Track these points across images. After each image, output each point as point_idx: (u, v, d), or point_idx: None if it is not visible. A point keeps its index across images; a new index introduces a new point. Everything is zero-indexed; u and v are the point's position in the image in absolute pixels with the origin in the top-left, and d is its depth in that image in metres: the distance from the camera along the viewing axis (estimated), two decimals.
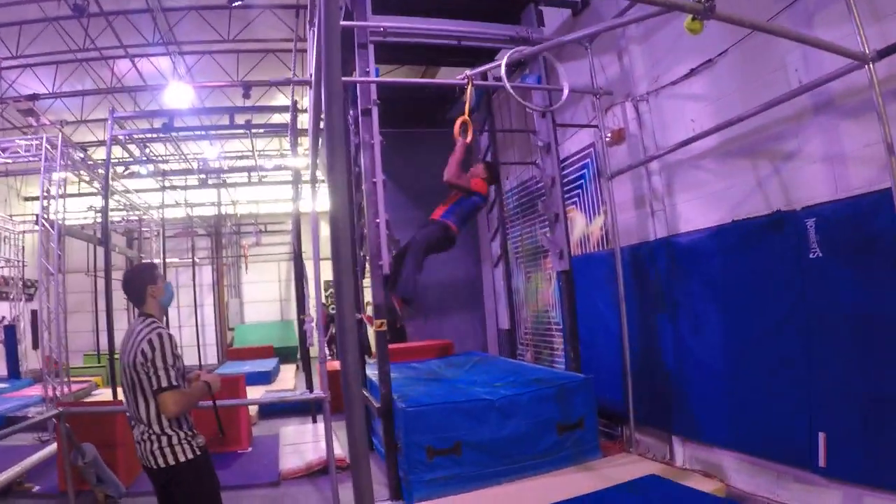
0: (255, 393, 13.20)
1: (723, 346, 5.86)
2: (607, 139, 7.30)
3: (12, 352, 18.93)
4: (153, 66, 16.33)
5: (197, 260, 24.19)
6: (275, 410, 11.90)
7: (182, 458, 3.73)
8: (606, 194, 7.39)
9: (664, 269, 6.65)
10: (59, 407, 8.26)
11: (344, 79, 8.23)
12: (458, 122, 6.66)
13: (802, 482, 5.11)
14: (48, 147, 12.33)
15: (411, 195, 11.39)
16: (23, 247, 19.84)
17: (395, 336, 12.39)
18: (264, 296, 25.72)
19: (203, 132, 18.43)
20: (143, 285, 3.96)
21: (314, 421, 10.49)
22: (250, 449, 9.18)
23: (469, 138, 6.86)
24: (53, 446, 8.61)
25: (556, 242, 7.20)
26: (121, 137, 15.04)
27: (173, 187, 21.34)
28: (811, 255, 4.87)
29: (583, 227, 8.24)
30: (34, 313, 21.57)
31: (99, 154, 20.36)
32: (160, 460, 3.71)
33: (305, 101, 18.72)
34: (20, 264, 19.77)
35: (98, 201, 21.47)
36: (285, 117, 19.83)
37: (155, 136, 16.66)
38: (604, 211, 7.73)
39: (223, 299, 25.20)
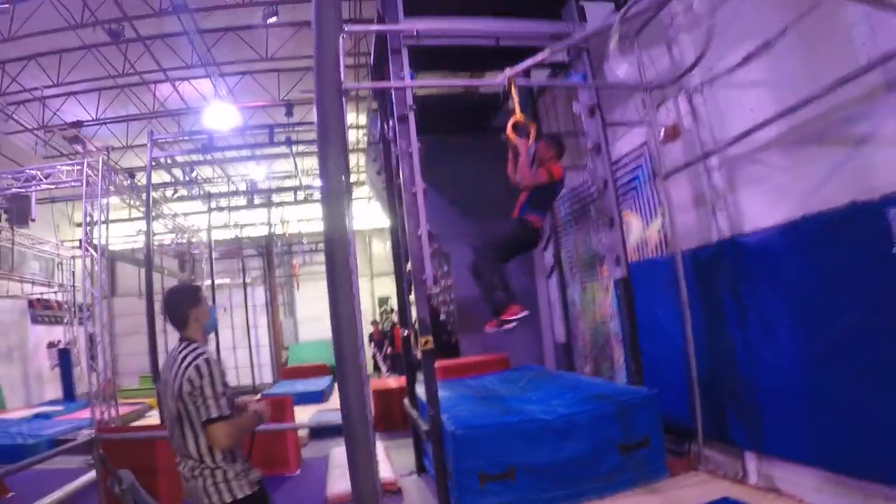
0: (306, 412, 13.01)
1: (798, 352, 5.33)
2: (660, 136, 6.87)
3: (67, 374, 19.34)
4: (194, 89, 16.42)
5: (249, 280, 24.27)
6: (327, 431, 11.61)
7: (239, 495, 3.48)
8: (663, 195, 6.95)
9: (729, 271, 6.16)
10: (101, 432, 8.12)
11: (374, 84, 8.13)
12: (511, 122, 6.28)
13: (893, 501, 4.57)
14: (90, 172, 12.33)
15: (458, 206, 11.14)
16: (73, 272, 20.19)
17: (447, 351, 12.13)
18: (318, 314, 25.42)
19: (243, 151, 18.50)
20: (185, 308, 3.71)
21: None
22: (298, 472, 8.95)
23: (531, 138, 6.48)
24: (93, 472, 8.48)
25: (612, 248, 6.77)
26: (162, 160, 15.05)
27: (220, 208, 21.39)
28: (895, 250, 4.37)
29: (639, 231, 7.78)
30: (91, 336, 22.04)
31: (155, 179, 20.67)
32: (214, 498, 3.44)
33: (350, 117, 18.81)
34: (72, 288, 20.12)
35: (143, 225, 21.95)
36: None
37: (198, 158, 16.68)
38: (661, 213, 7.28)
39: (276, 319, 25.19)
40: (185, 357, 3.51)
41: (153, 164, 15.46)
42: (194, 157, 18.79)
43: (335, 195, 2.06)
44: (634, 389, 6.28)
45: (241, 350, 23.28)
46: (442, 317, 12.48)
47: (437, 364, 10.22)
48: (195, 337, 3.70)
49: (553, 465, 5.44)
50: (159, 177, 19.90)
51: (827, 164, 5.02)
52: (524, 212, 6.51)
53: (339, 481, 7.64)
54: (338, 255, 1.72)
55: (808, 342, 5.22)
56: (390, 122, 7.44)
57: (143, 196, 18.17)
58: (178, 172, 18.65)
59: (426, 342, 5.86)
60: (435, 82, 8.36)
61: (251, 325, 24.15)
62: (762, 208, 5.77)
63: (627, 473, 5.69)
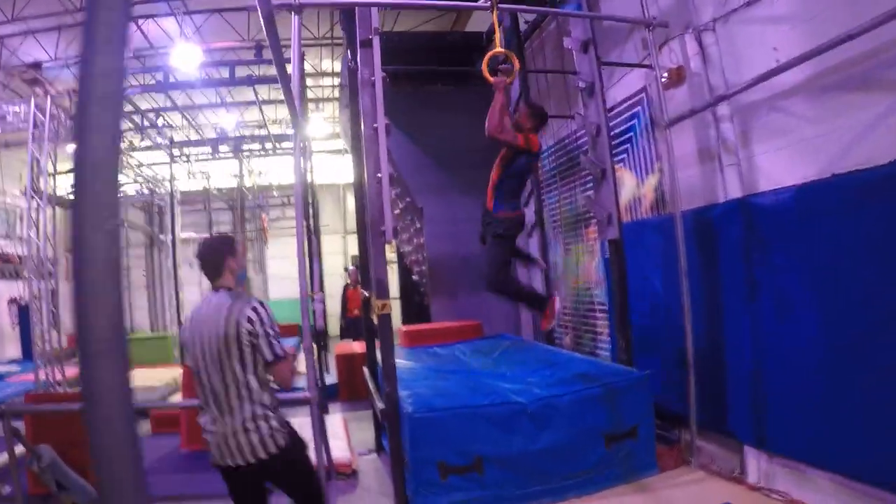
0: None
1: (819, 337, 4.49)
2: (663, 80, 5.99)
3: (26, 333, 18.38)
4: (160, 29, 15.27)
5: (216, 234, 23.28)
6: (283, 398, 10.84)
7: (285, 444, 3.52)
8: (663, 147, 6.12)
9: (738, 237, 5.31)
10: (28, 400, 7.26)
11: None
12: (488, 56, 5.30)
13: None
14: (37, 113, 11.18)
15: (435, 158, 10.31)
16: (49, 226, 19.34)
17: (417, 315, 11.32)
18: (289, 271, 24.46)
19: (209, 95, 17.44)
20: (222, 257, 3.71)
21: (325, 411, 9.36)
22: None
23: (511, 78, 5.50)
24: None
25: (603, 205, 5.90)
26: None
27: (185, 158, 20.37)
28: None
29: (632, 188, 6.94)
30: (52, 292, 21.16)
31: None
32: (261, 452, 3.43)
33: (325, 64, 17.74)
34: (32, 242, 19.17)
35: None
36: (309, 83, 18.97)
37: (164, 103, 15.56)
38: (659, 168, 6.44)
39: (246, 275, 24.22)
40: (232, 304, 3.50)
41: None
42: (159, 102, 17.75)
43: None
44: (623, 370, 5.48)
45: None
46: (414, 277, 11.66)
47: (404, 329, 9.56)
48: (229, 285, 3.70)
49: (527, 456, 4.64)
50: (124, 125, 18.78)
51: (867, 114, 4.14)
52: (497, 207, 5.72)
53: None
54: None
55: (833, 326, 4.39)
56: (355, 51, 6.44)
57: None
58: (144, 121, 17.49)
59: (383, 306, 4.98)
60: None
61: None
62: (782, 165, 4.92)
63: (613, 468, 4.92)
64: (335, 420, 8.43)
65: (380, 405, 5.14)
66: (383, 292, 5.00)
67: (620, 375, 5.21)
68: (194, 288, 23.14)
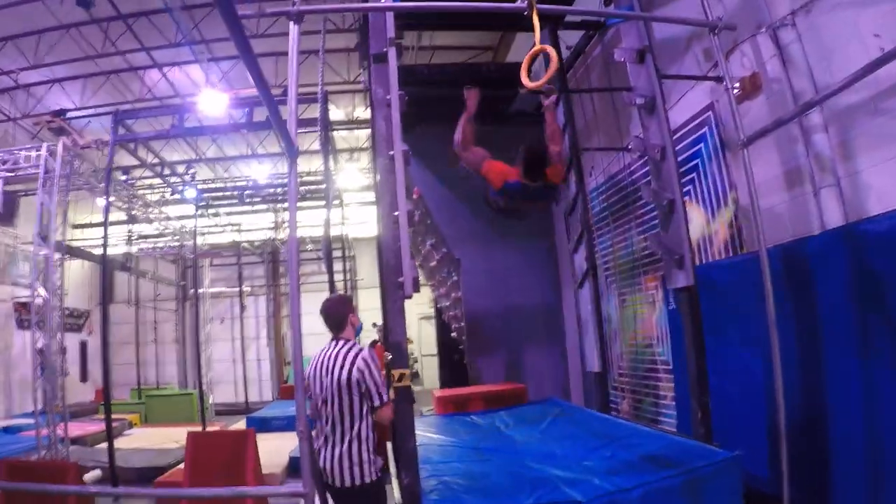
0: (293, 440, 11.09)
1: None
2: (735, 91, 4.96)
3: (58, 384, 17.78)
4: (186, 76, 14.80)
5: (248, 289, 22.62)
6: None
7: (374, 478, 4.07)
8: (738, 172, 5.08)
9: (844, 276, 4.19)
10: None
11: (337, 6, 6.24)
12: (527, 56, 4.26)
13: None
14: (48, 158, 10.49)
15: (471, 205, 9.31)
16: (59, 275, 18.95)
17: (456, 376, 10.27)
18: (324, 328, 23.59)
19: (239, 146, 16.85)
20: (345, 313, 4.37)
21: None
22: None
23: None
24: None
25: (671, 246, 4.81)
26: (146, 156, 13.42)
27: (215, 211, 19.79)
28: None
29: (701, 226, 5.87)
30: (82, 344, 20.63)
31: (145, 180, 19.04)
32: (357, 480, 4.00)
33: (358, 111, 17.03)
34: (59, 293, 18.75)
35: (140, 229, 20.41)
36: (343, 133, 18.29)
37: (191, 155, 14.94)
38: (733, 199, 5.37)
39: (279, 331, 23.33)
40: (348, 352, 4.16)
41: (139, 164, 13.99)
42: (188, 154, 17.18)
43: None
44: (706, 450, 4.27)
45: (240, 364, 21.93)
46: (453, 334, 10.62)
47: (438, 394, 8.46)
48: (348, 337, 4.35)
49: None
50: (150, 179, 18.39)
51: None
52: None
53: None
54: None
55: None
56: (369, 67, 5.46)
57: (131, 196, 16.90)
58: (172, 177, 16.96)
59: (400, 377, 3.95)
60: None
61: (253, 336, 22.82)
62: None
63: None
64: None
65: (398, 498, 4.06)
66: (401, 360, 3.98)
67: (704, 458, 4.01)
68: (224, 345, 22.51)
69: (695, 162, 5.90)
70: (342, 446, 4.03)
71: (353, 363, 4.07)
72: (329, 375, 4.11)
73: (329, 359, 4.18)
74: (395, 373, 3.96)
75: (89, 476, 9.29)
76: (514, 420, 6.62)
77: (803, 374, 4.59)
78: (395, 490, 4.87)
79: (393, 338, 4.07)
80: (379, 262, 6.74)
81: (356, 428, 4.05)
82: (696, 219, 5.88)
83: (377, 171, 4.26)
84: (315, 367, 4.27)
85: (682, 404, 6.17)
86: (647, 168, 6.66)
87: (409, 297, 3.94)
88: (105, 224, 9.79)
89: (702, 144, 5.80)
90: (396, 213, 3.92)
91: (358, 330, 4.47)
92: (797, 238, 4.71)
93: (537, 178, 4.93)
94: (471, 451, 5.30)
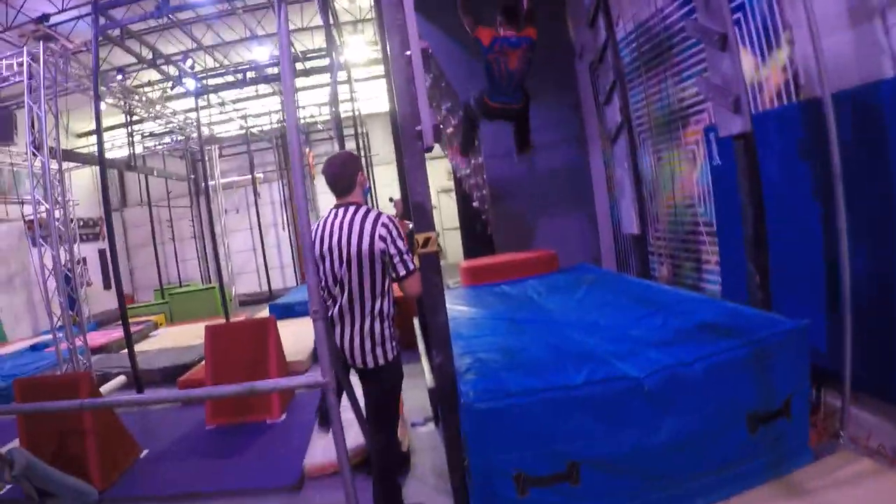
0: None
1: None
2: None
3: (70, 298, 17.80)
4: None
5: (261, 176, 22.17)
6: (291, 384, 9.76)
7: (396, 353, 3.79)
8: (795, 7, 4.45)
9: None
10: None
11: None
12: None
13: None
14: (31, 63, 9.82)
15: None
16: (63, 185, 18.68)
17: (481, 247, 9.93)
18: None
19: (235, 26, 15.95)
20: (353, 173, 3.84)
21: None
22: (283, 417, 6.81)
23: None
24: None
25: (723, 86, 4.26)
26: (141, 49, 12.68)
27: (221, 101, 19.10)
28: None
29: (749, 72, 5.26)
30: (101, 252, 20.50)
31: (142, 77, 18.23)
32: (381, 360, 3.70)
33: None
34: (71, 203, 18.51)
35: (145, 128, 19.92)
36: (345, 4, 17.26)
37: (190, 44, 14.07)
38: (787, 39, 4.76)
39: (296, 216, 23.04)
40: (364, 218, 3.66)
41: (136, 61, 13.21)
42: (186, 45, 16.46)
43: None
44: (767, 317, 3.85)
45: (260, 253, 21.70)
46: (475, 203, 10.19)
47: (465, 265, 8.10)
48: (358, 201, 3.83)
49: (641, 454, 3.16)
50: (149, 75, 17.65)
51: None
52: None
53: (327, 441, 5.45)
54: None
55: None
56: None
57: (133, 97, 16.26)
58: (172, 70, 16.15)
59: (426, 241, 3.50)
60: None
61: (271, 223, 22.54)
62: None
63: (757, 458, 3.40)
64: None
65: (429, 379, 3.74)
66: (425, 222, 3.51)
67: (768, 327, 3.60)
68: (242, 235, 22.33)
69: (740, 0, 5.25)
70: (364, 325, 3.65)
71: (373, 229, 3.57)
72: (345, 246, 3.60)
73: (342, 228, 3.65)
74: (420, 237, 3.50)
75: (113, 383, 9.16)
76: (546, 288, 6.28)
77: (870, 238, 4.13)
78: (425, 371, 4.57)
79: (415, 197, 3.53)
80: (391, 115, 6.31)
81: (378, 304, 3.65)
82: (744, 64, 5.25)
83: (381, 9, 3.70)
84: (324, 238, 3.72)
85: (728, 268, 5.76)
86: (684, 9, 6.04)
87: (430, 148, 3.45)
88: (97, 121, 9.11)
89: None
90: (409, 53, 3.39)
91: (365, 192, 3.98)
92: (865, 82, 4.15)
93: (513, 26, 5.95)
94: (505, 322, 4.97)
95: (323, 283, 3.74)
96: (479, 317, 5.30)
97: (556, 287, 6.26)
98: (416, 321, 6.42)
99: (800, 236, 4.63)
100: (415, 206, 3.48)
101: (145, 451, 6.33)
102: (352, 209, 3.71)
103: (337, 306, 3.69)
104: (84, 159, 14.95)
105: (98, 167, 10.54)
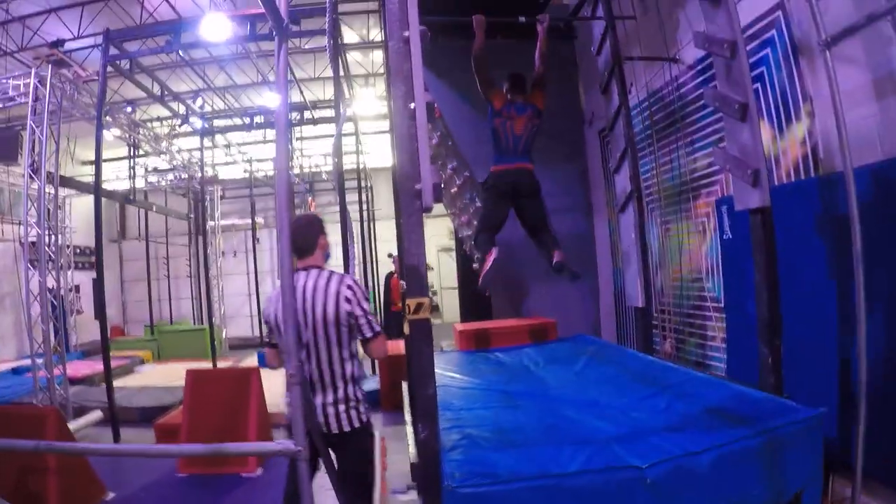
0: None
1: None
2: None
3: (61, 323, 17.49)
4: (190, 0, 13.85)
5: (262, 221, 22.04)
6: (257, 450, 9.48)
7: (365, 419, 3.65)
8: (814, 81, 4.32)
9: None
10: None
11: None
12: None
13: None
14: (38, 86, 9.74)
15: None
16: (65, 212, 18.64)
17: (478, 310, 9.66)
18: (340, 261, 23.08)
19: (248, 72, 15.98)
20: (315, 235, 3.78)
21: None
22: (259, 472, 6.49)
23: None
24: None
25: (743, 158, 4.05)
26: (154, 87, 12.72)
27: (227, 143, 19.08)
28: None
29: (766, 143, 5.09)
30: (95, 282, 20.29)
31: (152, 112, 18.28)
32: (355, 422, 3.58)
33: (374, 33, 16.04)
34: (68, 230, 18.33)
35: (151, 163, 19.92)
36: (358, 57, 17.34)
37: (200, 85, 14.10)
38: (808, 112, 4.59)
39: (294, 264, 22.75)
40: (328, 281, 3.60)
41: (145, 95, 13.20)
42: (197, 84, 16.51)
43: None
44: (780, 403, 3.57)
45: (255, 298, 21.38)
46: (475, 265, 9.96)
47: (460, 328, 7.84)
48: (319, 264, 3.77)
49: None
50: (158, 111, 17.93)
51: None
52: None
53: None
54: None
55: None
56: None
57: (139, 131, 16.24)
58: (181, 109, 16.18)
59: (417, 307, 3.23)
60: None
61: (268, 269, 22.24)
62: None
63: None
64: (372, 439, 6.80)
65: (412, 453, 3.42)
66: (418, 286, 3.24)
67: (783, 415, 3.32)
68: (238, 279, 22.11)
69: (759, 70, 5.09)
70: (336, 389, 3.55)
71: (337, 293, 3.54)
72: (310, 311, 3.53)
73: (305, 292, 3.57)
74: (412, 302, 3.16)
75: (87, 419, 8.82)
76: (543, 359, 6.00)
77: (891, 322, 3.90)
78: (409, 444, 4.28)
79: (409, 260, 3.22)
80: (393, 175, 6.12)
81: (349, 368, 3.58)
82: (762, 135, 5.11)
83: (390, 57, 3.46)
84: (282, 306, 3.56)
85: (735, 347, 5.51)
86: (700, 79, 5.93)
87: (429, 209, 3.20)
88: (97, 149, 9.01)
89: (768, 49, 4.99)
90: (413, 105, 3.18)
91: (328, 255, 3.87)
92: (889, 158, 3.96)
93: (519, 93, 6.06)
94: (498, 394, 4.68)
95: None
96: (471, 386, 5.02)
97: (554, 358, 5.99)
98: (404, 385, 6.12)
99: (813, 317, 4.40)
100: (408, 269, 3.22)
101: (111, 495, 6.03)
102: (314, 273, 3.66)
103: (315, 374, 3.58)
104: (81, 187, 14.75)
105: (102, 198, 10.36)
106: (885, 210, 3.89)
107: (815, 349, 4.37)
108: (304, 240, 3.72)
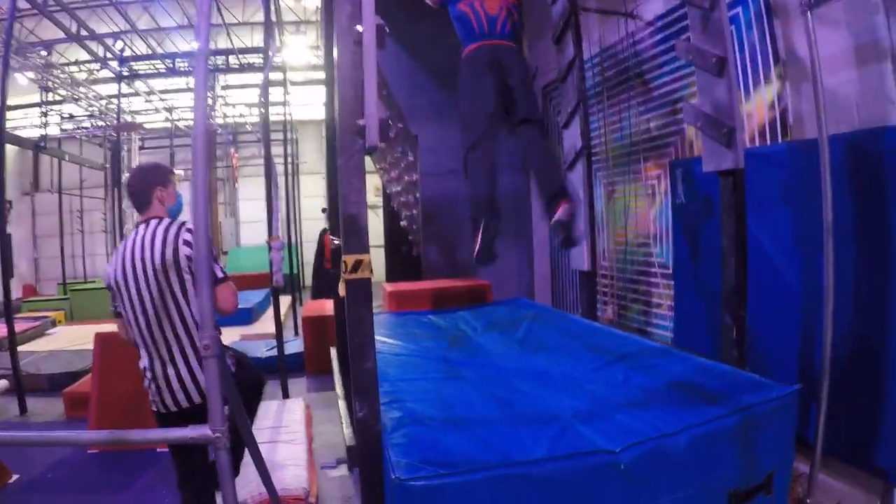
0: (224, 338, 10.03)
1: None
2: None
3: None
4: None
5: (181, 174, 21.00)
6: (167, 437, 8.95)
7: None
8: (796, 39, 4.04)
9: None
10: None
11: None
12: None
13: None
14: None
15: (435, 77, 8.24)
16: None
17: (405, 271, 9.32)
18: (263, 215, 22.28)
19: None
20: (150, 186, 3.46)
21: (285, 394, 7.28)
22: None
23: None
24: None
25: (717, 116, 3.75)
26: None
27: (149, 90, 18.04)
28: None
29: None
30: (6, 238, 19.03)
31: (70, 55, 17.05)
32: (196, 395, 3.28)
33: None
34: None
35: (67, 109, 18.76)
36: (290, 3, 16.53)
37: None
38: (779, 74, 4.33)
39: (216, 219, 21.88)
40: (166, 231, 3.29)
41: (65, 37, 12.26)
42: (119, 26, 15.49)
43: None
44: (755, 380, 3.32)
45: None
46: (403, 222, 9.57)
47: (389, 288, 7.43)
48: (159, 216, 3.43)
49: None
50: (77, 54, 16.66)
51: None
52: None
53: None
54: None
55: None
56: None
57: (54, 73, 15.19)
58: (100, 50, 15.14)
59: (355, 265, 2.79)
60: None
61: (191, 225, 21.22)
62: None
63: None
64: (295, 409, 6.39)
65: (347, 434, 3.01)
66: (357, 241, 2.80)
67: (758, 392, 3.05)
68: None
69: (729, 29, 4.82)
70: (185, 352, 3.28)
71: (177, 236, 3.25)
72: (149, 260, 3.23)
73: (143, 243, 3.28)
74: (349, 259, 2.74)
75: None
76: (481, 323, 5.65)
77: (857, 296, 3.69)
78: (343, 422, 3.91)
79: (347, 209, 2.76)
80: (327, 108, 5.64)
81: (191, 323, 3.24)
82: None
83: None
84: (121, 266, 3.32)
85: (682, 315, 5.29)
86: (658, 36, 5.64)
87: (374, 148, 2.78)
88: (3, 89, 8.15)
89: (739, 8, 4.69)
90: (360, 28, 2.74)
91: (172, 210, 3.56)
92: (866, 128, 3.72)
93: None
94: (438, 362, 4.30)
95: (128, 318, 3.35)
96: (406, 353, 4.63)
97: (493, 322, 5.65)
98: (332, 351, 5.73)
99: (774, 289, 4.16)
100: (347, 220, 2.75)
101: (15, 477, 5.50)
102: (153, 223, 3.38)
103: (149, 339, 3.30)
104: None
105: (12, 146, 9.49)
106: (858, 181, 3.66)
107: (774, 322, 4.15)
108: (137, 192, 3.49)
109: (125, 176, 17.21)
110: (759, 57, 4.54)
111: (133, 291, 3.27)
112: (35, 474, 5.62)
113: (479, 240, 5.50)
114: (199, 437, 2.32)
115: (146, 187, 3.47)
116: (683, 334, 5.23)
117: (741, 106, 4.69)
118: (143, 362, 3.38)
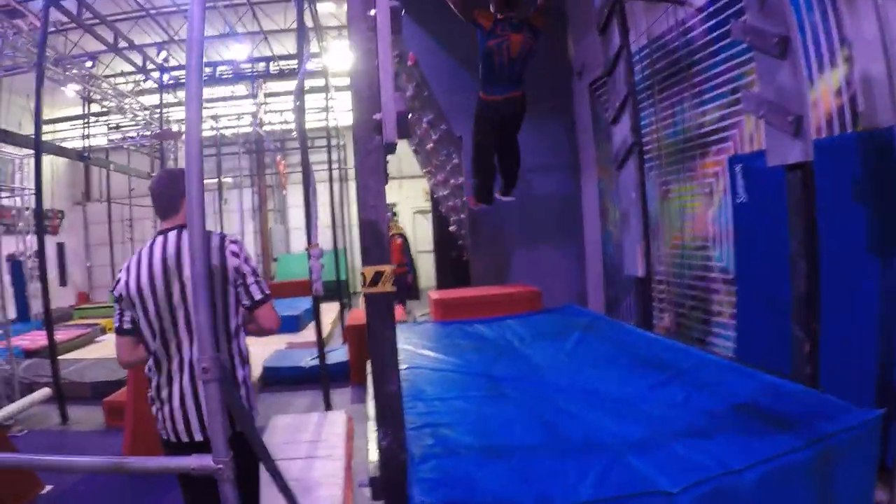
0: (269, 346, 10.13)
1: None
2: None
3: (20, 291, 16.38)
4: None
5: (229, 181, 21.11)
6: (285, 377, 8.91)
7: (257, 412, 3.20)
8: (864, 18, 3.66)
9: None
10: None
11: None
12: None
13: None
14: None
15: (477, 74, 7.94)
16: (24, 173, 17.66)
17: (455, 277, 9.07)
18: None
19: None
20: (180, 192, 2.98)
21: (328, 406, 7.11)
22: None
23: None
24: None
25: (782, 103, 3.38)
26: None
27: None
28: None
29: None
30: (59, 246, 19.36)
31: (115, 67, 17.23)
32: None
33: None
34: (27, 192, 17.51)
35: (115, 119, 19.04)
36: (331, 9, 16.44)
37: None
38: (846, 58, 3.93)
39: (266, 225, 21.91)
40: (208, 237, 2.80)
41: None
42: (161, 36, 15.56)
43: None
44: (833, 402, 2.93)
45: None
46: (452, 227, 9.31)
47: (435, 296, 7.18)
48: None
49: None
50: (122, 66, 16.75)
51: None
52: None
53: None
54: None
55: None
56: None
57: (99, 85, 15.35)
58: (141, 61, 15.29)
59: (374, 278, 2.48)
60: None
61: (237, 231, 21.27)
62: None
63: None
64: (336, 422, 6.18)
65: (371, 467, 2.72)
66: (378, 250, 2.51)
67: (838, 418, 2.68)
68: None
69: None
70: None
71: (221, 247, 2.94)
72: (181, 272, 2.88)
73: (172, 254, 2.94)
74: (368, 271, 2.44)
75: (33, 397, 8.11)
76: (529, 333, 5.35)
77: None
78: (369, 447, 3.64)
79: (366, 213, 2.49)
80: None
81: (236, 344, 2.96)
82: None
83: None
84: (147, 276, 2.93)
85: (746, 325, 4.90)
86: (711, 22, 5.27)
87: (392, 145, 2.50)
88: (37, 99, 8.16)
89: None
90: (373, 12, 2.46)
91: None
92: None
93: (510, 8, 5.54)
94: (481, 379, 4.01)
95: (149, 333, 2.96)
96: (448, 368, 4.35)
97: (542, 332, 5.33)
98: (368, 366, 5.50)
99: (845, 297, 3.77)
100: (366, 226, 2.49)
101: (48, 487, 5.43)
102: (178, 232, 3.02)
103: (175, 356, 2.93)
104: (20, 141, 13.39)
105: (68, 159, 9.53)
106: None
107: (850, 334, 3.75)
108: (165, 196, 3.15)
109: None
110: (822, 39, 4.14)
111: (163, 303, 2.93)
112: (67, 486, 5.54)
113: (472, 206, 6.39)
114: (202, 467, 2.08)
115: (175, 193, 3.16)
116: (748, 347, 4.84)
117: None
118: (157, 382, 3.03)
